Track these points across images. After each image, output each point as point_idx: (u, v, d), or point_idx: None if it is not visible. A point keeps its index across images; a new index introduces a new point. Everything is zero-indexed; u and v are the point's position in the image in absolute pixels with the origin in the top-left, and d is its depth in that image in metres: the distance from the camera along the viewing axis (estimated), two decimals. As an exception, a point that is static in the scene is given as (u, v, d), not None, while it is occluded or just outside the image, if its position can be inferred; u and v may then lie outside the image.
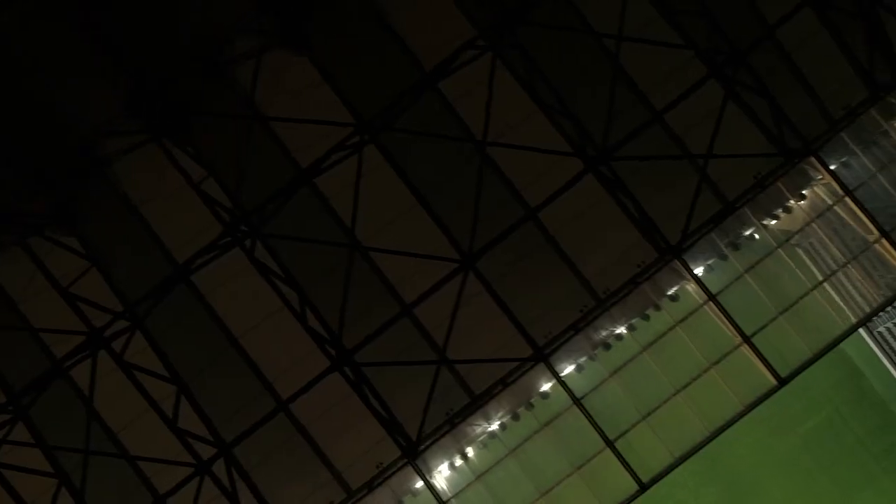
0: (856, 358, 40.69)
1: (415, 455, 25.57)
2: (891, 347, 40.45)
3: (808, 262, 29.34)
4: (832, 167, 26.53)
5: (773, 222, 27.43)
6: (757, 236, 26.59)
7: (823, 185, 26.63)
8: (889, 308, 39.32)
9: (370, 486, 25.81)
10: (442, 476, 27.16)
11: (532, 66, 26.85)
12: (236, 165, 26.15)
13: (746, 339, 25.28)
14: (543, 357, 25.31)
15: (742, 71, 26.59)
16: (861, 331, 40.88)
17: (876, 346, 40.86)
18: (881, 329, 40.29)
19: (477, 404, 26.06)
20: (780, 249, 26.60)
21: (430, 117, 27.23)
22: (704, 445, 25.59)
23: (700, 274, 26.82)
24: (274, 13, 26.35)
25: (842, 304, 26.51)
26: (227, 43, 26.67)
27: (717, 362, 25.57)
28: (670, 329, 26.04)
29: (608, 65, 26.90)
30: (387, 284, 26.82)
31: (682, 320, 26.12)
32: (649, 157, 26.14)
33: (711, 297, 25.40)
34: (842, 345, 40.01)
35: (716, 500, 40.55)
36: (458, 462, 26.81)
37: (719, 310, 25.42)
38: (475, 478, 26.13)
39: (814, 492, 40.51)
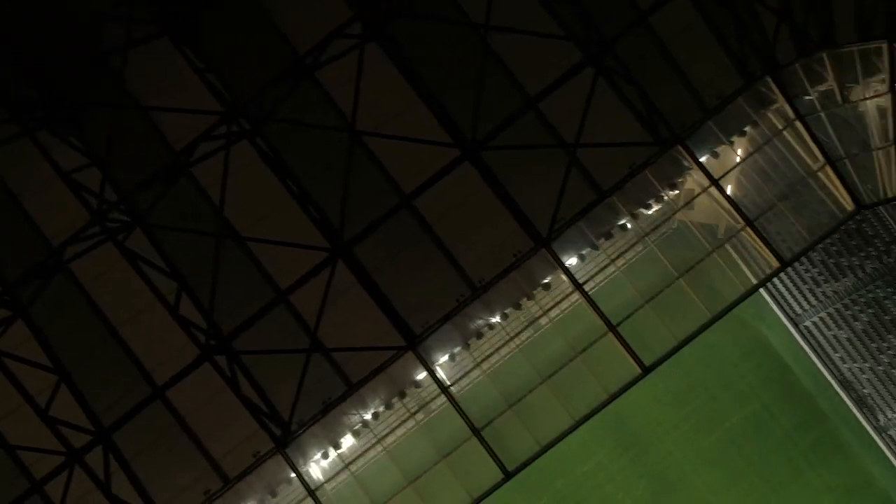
0: (783, 353, 40.14)
1: (285, 444, 25.06)
2: (817, 342, 39.93)
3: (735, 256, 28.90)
4: (704, 157, 25.91)
5: (650, 211, 26.66)
6: (629, 226, 25.84)
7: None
8: (815, 302, 38.93)
9: (242, 476, 25.33)
10: (319, 466, 26.71)
11: (403, 55, 26.13)
12: (109, 155, 25.67)
13: (612, 328, 24.82)
14: (413, 346, 24.86)
15: (618, 60, 25.90)
16: (788, 325, 40.40)
17: (803, 340, 40.28)
18: (808, 324, 39.85)
19: (350, 393, 25.52)
20: (646, 238, 25.77)
21: (307, 107, 26.57)
22: (569, 433, 24.98)
23: (575, 263, 26.19)
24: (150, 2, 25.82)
25: (709, 290, 25.83)
26: (102, 32, 26.07)
27: (582, 351, 25.00)
28: (538, 318, 25.41)
29: (490, 55, 26.30)
30: (263, 273, 26.23)
31: (549, 309, 25.50)
32: (522, 146, 25.70)
33: (578, 286, 25.04)
34: (769, 340, 39.95)
35: (643, 494, 40.06)
36: (333, 452, 26.27)
37: (585, 299, 24.78)
38: (344, 466, 25.52)
39: (741, 486, 40.03)
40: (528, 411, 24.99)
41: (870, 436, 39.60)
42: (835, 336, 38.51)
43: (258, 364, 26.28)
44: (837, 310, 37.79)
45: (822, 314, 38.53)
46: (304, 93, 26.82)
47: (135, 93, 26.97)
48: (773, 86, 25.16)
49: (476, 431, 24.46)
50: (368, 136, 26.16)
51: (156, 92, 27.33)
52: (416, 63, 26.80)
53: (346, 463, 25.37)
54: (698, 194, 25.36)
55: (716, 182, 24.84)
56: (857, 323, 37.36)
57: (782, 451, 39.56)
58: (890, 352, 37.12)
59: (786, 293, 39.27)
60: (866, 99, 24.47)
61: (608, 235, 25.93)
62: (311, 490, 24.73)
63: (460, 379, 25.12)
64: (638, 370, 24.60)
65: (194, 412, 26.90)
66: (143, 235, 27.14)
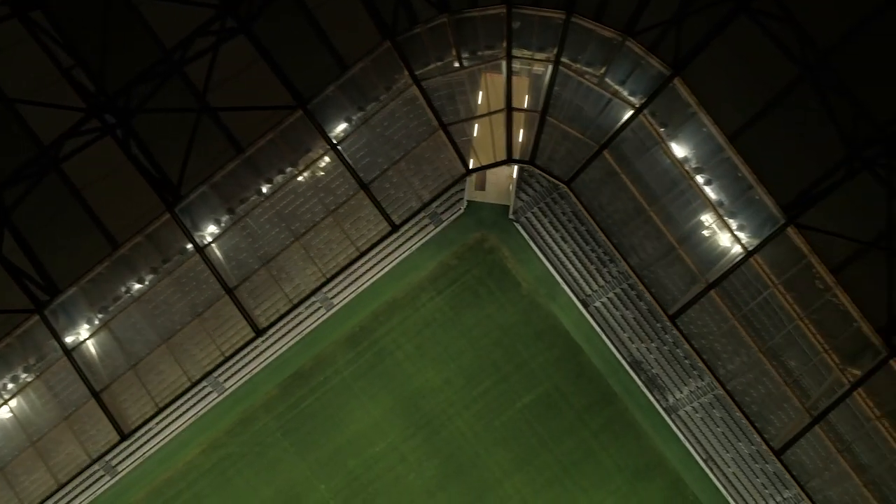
0: (574, 334, 39.20)
1: None
2: (606, 323, 38.93)
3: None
4: (343, 125, 25.26)
5: (301, 176, 26.02)
6: (265, 190, 25.27)
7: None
8: (603, 283, 37.98)
9: None
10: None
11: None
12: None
13: (228, 291, 24.17)
14: (40, 311, 24.48)
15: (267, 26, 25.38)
16: (579, 306, 39.44)
17: (594, 321, 39.34)
18: (597, 304, 38.86)
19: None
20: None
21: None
22: (187, 393, 24.39)
23: (214, 229, 25.70)
24: None
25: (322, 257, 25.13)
26: None
27: (200, 314, 24.41)
28: (160, 280, 24.97)
29: (137, 26, 26.00)
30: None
31: (172, 273, 25.03)
32: (161, 109, 25.22)
33: (199, 250, 24.44)
34: (561, 321, 39.07)
35: (436, 475, 39.30)
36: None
37: (207, 264, 24.28)
38: (-29, 431, 25.28)
39: (533, 466, 39.18)
40: (146, 372, 24.37)
41: (660, 416, 38.39)
42: (622, 316, 37.43)
43: None
44: (624, 290, 36.66)
45: (610, 294, 37.52)
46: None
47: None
48: (395, 52, 24.04)
49: (95, 394, 23.85)
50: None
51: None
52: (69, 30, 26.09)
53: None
54: (316, 159, 24.51)
55: (335, 147, 24.02)
56: (641, 303, 36.25)
57: (574, 431, 38.65)
58: (673, 331, 35.88)
59: (576, 274, 38.34)
60: (483, 64, 23.54)
61: (244, 200, 25.05)
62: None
63: (87, 340, 24.42)
64: (252, 333, 23.71)
65: None
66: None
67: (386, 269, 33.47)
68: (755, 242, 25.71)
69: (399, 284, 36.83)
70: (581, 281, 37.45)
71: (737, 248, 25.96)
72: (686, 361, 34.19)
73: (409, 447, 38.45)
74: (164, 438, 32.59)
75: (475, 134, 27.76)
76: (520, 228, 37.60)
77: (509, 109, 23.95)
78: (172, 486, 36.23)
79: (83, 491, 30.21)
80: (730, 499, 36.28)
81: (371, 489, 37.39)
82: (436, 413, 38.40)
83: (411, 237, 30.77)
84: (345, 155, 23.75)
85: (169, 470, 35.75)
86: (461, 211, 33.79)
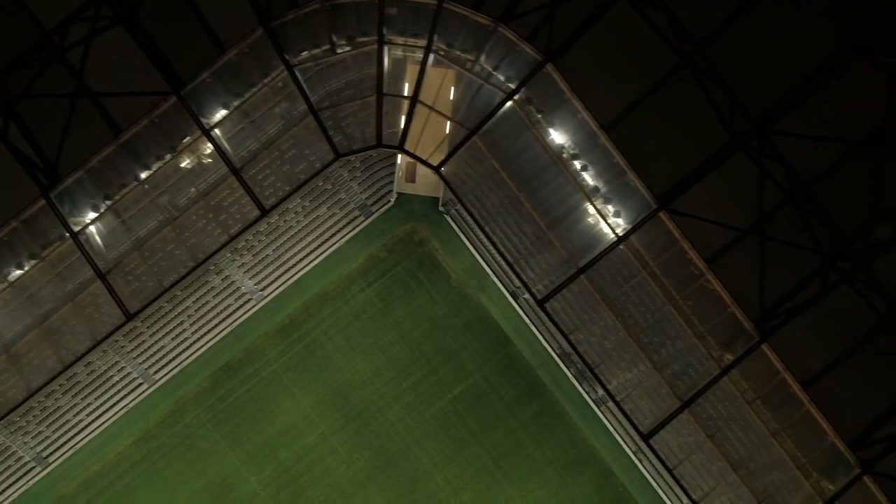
0: (504, 325, 38.87)
1: None
2: (535, 315, 38.65)
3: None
4: (222, 112, 25.17)
5: (177, 162, 25.96)
6: (142, 175, 25.24)
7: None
8: (532, 275, 37.71)
9: None
10: None
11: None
12: None
13: (101, 276, 24.12)
14: None
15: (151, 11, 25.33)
16: (509, 298, 39.19)
17: (522, 312, 39.07)
18: (526, 296, 38.57)
19: None
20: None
21: None
22: (56, 378, 24.32)
23: (92, 214, 25.70)
24: None
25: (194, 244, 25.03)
26: None
27: (74, 299, 24.39)
28: (33, 267, 24.94)
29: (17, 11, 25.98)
30: None
31: (44, 258, 24.99)
32: (38, 94, 25.16)
33: (72, 235, 24.37)
34: (490, 312, 38.77)
35: (366, 466, 39.11)
36: None
37: (80, 249, 24.26)
38: None
39: (463, 457, 38.88)
40: (23, 358, 24.31)
41: (590, 408, 38.02)
42: (552, 308, 37.08)
43: None
44: (551, 281, 36.34)
45: (539, 286, 37.15)
46: None
47: None
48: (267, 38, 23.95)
49: (-39, 380, 23.83)
50: None
51: None
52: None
53: None
54: (190, 142, 24.43)
55: (207, 132, 23.98)
56: (569, 294, 35.94)
57: (503, 422, 38.27)
58: (601, 323, 35.63)
59: (504, 266, 38.09)
60: (356, 50, 23.41)
61: (122, 186, 25.02)
62: None
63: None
64: (123, 318, 23.64)
65: None
66: None
67: (316, 262, 33.12)
68: (629, 228, 25.34)
69: (329, 276, 36.63)
70: (510, 272, 37.04)
71: (611, 234, 25.60)
72: (614, 353, 33.83)
73: (339, 439, 38.20)
74: (94, 430, 32.33)
75: (401, 126, 27.48)
76: (450, 220, 37.28)
77: (379, 94, 23.68)
78: (104, 478, 36.16)
79: (15, 482, 30.04)
80: (658, 489, 35.79)
81: (301, 481, 37.13)
82: (366, 405, 38.14)
83: (341, 229, 30.46)
84: (219, 140, 23.47)
85: (100, 461, 35.71)
86: (391, 203, 33.58)
